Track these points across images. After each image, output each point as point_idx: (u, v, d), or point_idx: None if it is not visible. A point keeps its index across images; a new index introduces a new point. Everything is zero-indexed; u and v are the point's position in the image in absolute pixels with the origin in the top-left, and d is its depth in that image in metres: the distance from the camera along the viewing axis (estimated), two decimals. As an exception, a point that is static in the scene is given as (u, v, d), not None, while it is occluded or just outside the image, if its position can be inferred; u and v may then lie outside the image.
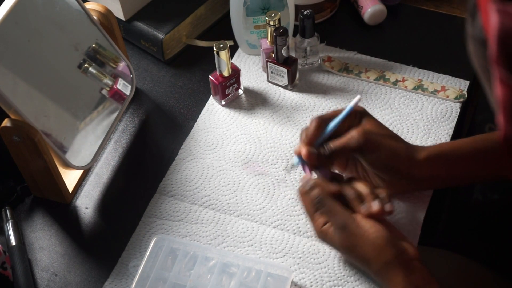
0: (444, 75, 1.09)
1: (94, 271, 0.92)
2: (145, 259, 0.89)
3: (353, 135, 0.88)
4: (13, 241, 0.93)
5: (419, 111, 1.05)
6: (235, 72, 1.05)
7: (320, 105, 1.07)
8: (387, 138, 0.89)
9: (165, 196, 0.98)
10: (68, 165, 0.95)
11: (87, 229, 0.97)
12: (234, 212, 0.96)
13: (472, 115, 1.54)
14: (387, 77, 1.09)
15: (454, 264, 1.09)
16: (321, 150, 0.88)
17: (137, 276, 0.88)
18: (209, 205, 0.96)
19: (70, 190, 0.99)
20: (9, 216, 0.95)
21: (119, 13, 1.13)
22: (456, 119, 1.04)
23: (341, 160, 0.92)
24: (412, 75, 1.10)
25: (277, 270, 0.88)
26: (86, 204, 0.99)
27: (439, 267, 1.08)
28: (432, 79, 1.09)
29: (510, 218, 1.47)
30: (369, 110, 1.05)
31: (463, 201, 1.55)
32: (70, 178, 0.99)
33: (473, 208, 1.55)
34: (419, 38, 1.16)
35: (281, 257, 0.91)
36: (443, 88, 1.07)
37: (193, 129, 1.05)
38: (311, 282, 0.89)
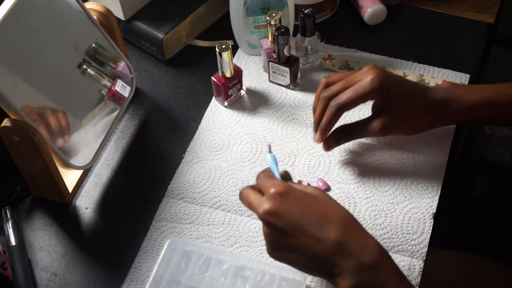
0: (444, 69, 1.10)
1: (94, 271, 0.92)
2: (158, 261, 0.89)
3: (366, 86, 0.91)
4: (13, 241, 0.92)
5: None
6: (237, 73, 1.05)
7: (320, 105, 1.07)
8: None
9: (174, 199, 0.98)
10: (68, 165, 0.95)
11: (87, 229, 0.97)
12: (245, 212, 0.96)
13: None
14: None
15: (460, 262, 1.09)
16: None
17: (150, 279, 0.87)
18: (219, 206, 0.96)
19: (70, 190, 0.99)
20: (9, 216, 0.95)
21: (119, 13, 1.13)
22: None
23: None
24: (413, 70, 1.10)
25: (291, 274, 0.87)
26: (86, 204, 0.99)
27: (446, 268, 1.08)
28: (433, 73, 1.09)
29: (509, 213, 1.47)
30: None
31: (463, 200, 1.55)
32: (70, 178, 0.99)
33: (472, 206, 1.55)
34: (419, 38, 1.16)
35: None
36: (445, 82, 1.07)
37: (197, 131, 1.05)
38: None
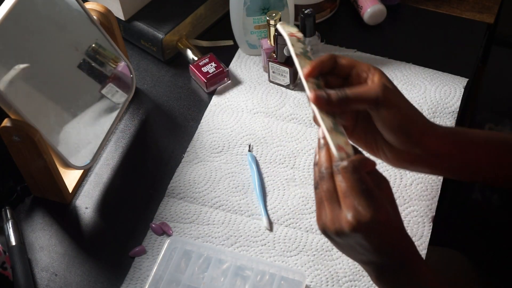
0: (442, 73, 1.10)
1: (94, 271, 0.92)
2: (158, 260, 0.89)
3: (371, 86, 0.77)
4: (13, 241, 0.93)
5: (422, 94, 1.06)
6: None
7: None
8: (406, 100, 0.79)
9: (174, 198, 0.98)
10: (68, 165, 0.95)
11: (87, 229, 0.97)
12: (245, 212, 0.96)
13: (472, 115, 1.54)
14: None
15: (460, 263, 1.09)
16: (332, 94, 0.74)
17: (150, 278, 0.88)
18: (219, 206, 0.97)
19: (70, 190, 0.99)
20: (9, 216, 0.95)
21: (119, 13, 1.13)
22: (460, 99, 1.05)
23: (351, 117, 0.81)
24: (412, 72, 1.10)
25: (290, 274, 0.88)
26: (86, 204, 0.99)
27: (443, 266, 1.08)
28: (432, 76, 1.09)
29: (509, 217, 1.47)
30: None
31: (463, 201, 1.55)
32: (70, 178, 0.99)
33: (472, 207, 1.55)
34: (419, 38, 1.16)
35: (295, 255, 0.91)
36: None
37: (197, 131, 1.05)
38: (327, 279, 0.89)
